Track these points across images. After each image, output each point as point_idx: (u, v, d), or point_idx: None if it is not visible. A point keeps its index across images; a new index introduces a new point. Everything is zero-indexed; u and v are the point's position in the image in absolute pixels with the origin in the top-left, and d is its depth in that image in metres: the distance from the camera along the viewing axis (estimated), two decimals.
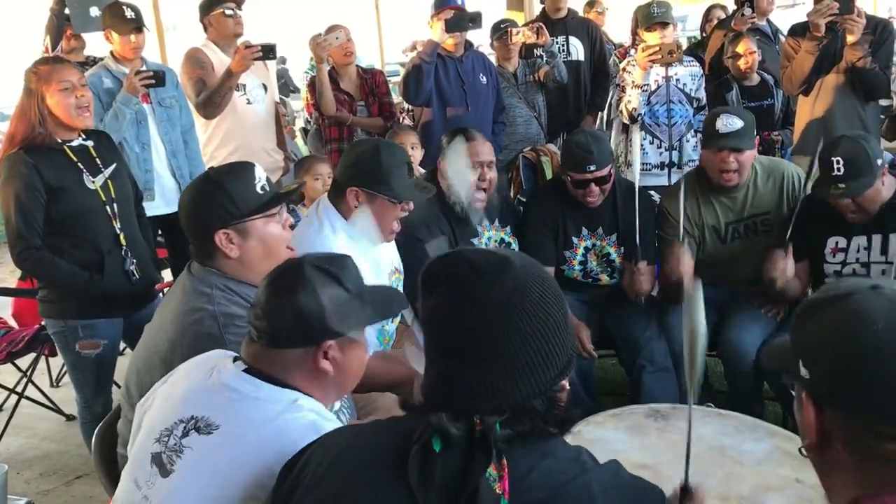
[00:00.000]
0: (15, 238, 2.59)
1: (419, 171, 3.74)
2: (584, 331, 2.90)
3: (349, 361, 1.46)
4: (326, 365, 1.42)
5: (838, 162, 2.54)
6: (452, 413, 1.03)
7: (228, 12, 3.84)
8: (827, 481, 1.03)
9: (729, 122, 2.82)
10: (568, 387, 1.09)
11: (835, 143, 2.63)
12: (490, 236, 3.04)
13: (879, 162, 2.57)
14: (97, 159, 2.74)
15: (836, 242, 2.75)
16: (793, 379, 1.03)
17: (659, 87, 3.95)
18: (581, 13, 5.54)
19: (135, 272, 2.76)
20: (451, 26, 3.86)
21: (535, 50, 4.42)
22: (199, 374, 1.46)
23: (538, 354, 1.03)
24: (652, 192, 3.38)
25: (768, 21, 4.89)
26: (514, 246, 3.10)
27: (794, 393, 1.04)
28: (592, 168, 2.90)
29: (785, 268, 2.73)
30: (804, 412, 1.00)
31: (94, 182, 2.69)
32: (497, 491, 0.98)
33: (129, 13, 3.41)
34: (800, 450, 1.05)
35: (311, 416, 1.37)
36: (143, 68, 3.41)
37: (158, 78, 3.35)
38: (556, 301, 1.07)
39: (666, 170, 3.99)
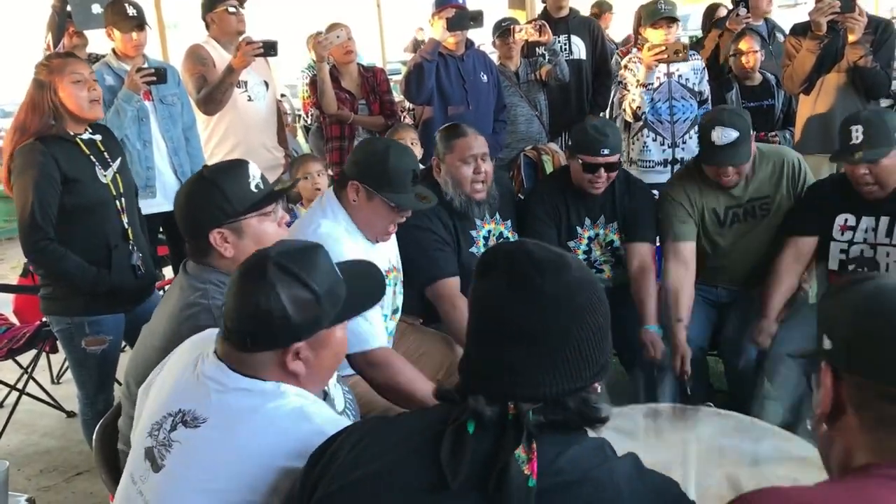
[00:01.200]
0: (30, 227, 2.57)
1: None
2: None
3: (321, 359, 1.42)
4: (297, 366, 1.38)
5: (857, 129, 2.57)
6: (488, 396, 1.06)
7: (231, 9, 3.85)
8: (827, 450, 1.09)
9: (725, 134, 2.77)
10: (599, 390, 1.13)
11: (855, 113, 2.68)
12: (489, 230, 3.03)
13: None
14: (105, 153, 2.75)
15: (846, 220, 2.75)
16: (816, 356, 1.09)
17: (661, 84, 3.95)
18: (588, 14, 5.54)
19: (140, 266, 2.77)
20: (453, 25, 3.85)
21: (536, 48, 4.41)
22: (185, 364, 1.45)
23: (579, 353, 1.08)
24: (655, 192, 3.38)
25: (765, 20, 4.88)
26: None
27: (813, 386, 1.10)
28: (606, 152, 2.90)
29: (770, 333, 2.79)
30: (822, 382, 1.06)
31: (105, 175, 2.71)
32: (525, 472, 1.01)
33: (130, 10, 3.41)
34: (807, 421, 1.14)
35: (297, 402, 1.36)
36: (145, 65, 3.41)
37: (160, 75, 3.36)
38: (602, 309, 1.12)
39: (669, 167, 3.99)
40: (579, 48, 4.74)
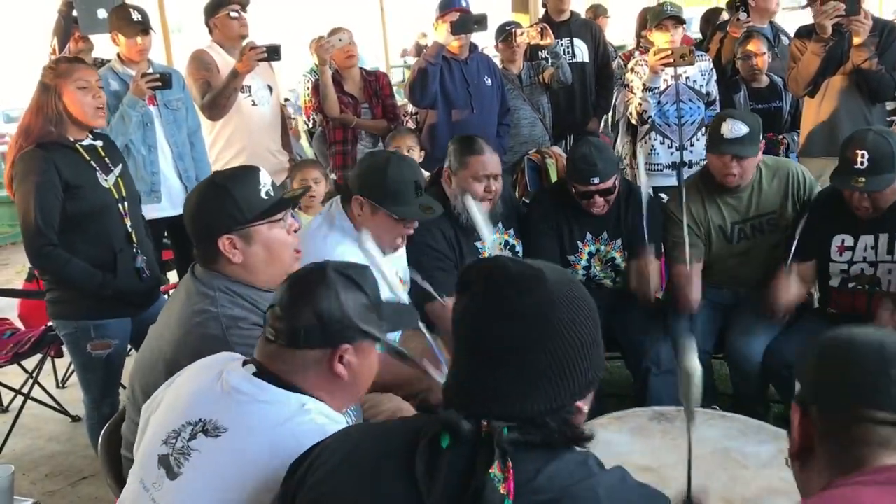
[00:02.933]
0: (34, 234, 2.58)
1: None
2: None
3: (363, 368, 1.46)
4: (341, 369, 1.42)
5: (863, 155, 2.53)
6: (464, 412, 1.05)
7: (234, 14, 3.85)
8: (804, 486, 1.16)
9: (735, 128, 2.80)
10: (585, 410, 1.10)
11: (862, 135, 2.62)
12: (494, 239, 3.03)
13: None
14: (106, 158, 2.75)
15: (843, 241, 2.74)
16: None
17: (668, 86, 3.94)
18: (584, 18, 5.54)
19: (145, 270, 2.78)
20: (457, 28, 3.86)
21: (539, 52, 4.42)
22: (207, 377, 1.46)
23: (560, 370, 1.04)
24: (662, 195, 3.37)
25: (771, 23, 4.87)
26: (518, 248, 3.10)
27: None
28: (596, 181, 2.90)
29: (790, 292, 2.75)
30: (791, 420, 1.14)
31: (107, 180, 2.71)
32: (501, 492, 0.98)
33: (135, 16, 3.43)
34: (786, 459, 1.18)
35: (320, 420, 1.37)
36: (150, 70, 3.42)
37: (165, 80, 3.36)
38: (586, 322, 1.07)
39: (677, 170, 3.99)
40: (582, 51, 4.74)
